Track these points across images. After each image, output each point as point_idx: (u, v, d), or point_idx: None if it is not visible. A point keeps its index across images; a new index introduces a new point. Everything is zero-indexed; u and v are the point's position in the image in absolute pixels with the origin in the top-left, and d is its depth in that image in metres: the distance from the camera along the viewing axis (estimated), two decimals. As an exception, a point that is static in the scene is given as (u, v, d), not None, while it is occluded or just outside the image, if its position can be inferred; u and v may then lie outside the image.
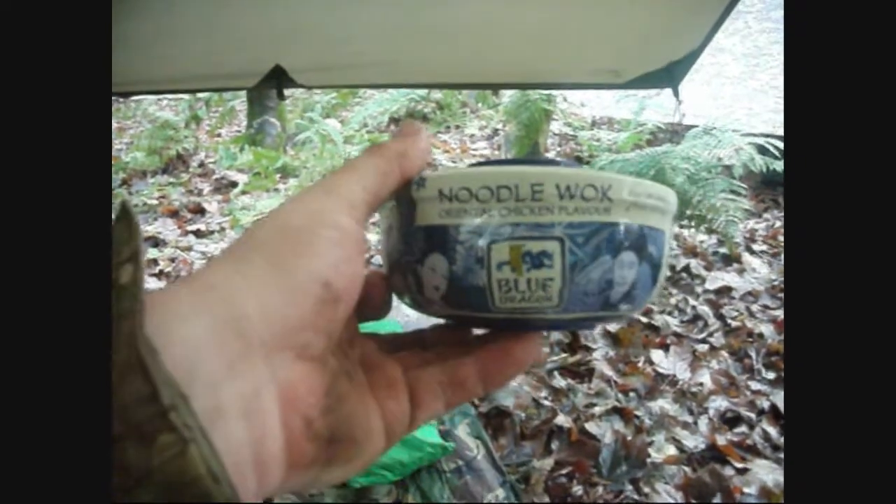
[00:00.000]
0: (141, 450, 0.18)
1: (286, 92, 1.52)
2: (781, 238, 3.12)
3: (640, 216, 0.30)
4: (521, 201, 0.28)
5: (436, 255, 0.30)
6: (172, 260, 3.16)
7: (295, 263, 0.26)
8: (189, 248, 3.32)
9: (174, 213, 3.88)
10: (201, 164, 4.87)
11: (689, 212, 2.59)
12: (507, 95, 3.31)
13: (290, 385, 0.25)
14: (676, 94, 1.63)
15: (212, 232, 3.60)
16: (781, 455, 1.72)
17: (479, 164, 0.32)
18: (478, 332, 0.36)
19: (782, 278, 2.68)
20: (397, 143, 0.31)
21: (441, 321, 0.36)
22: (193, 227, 3.66)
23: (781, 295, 2.58)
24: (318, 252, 0.26)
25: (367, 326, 0.34)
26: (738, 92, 4.84)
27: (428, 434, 1.42)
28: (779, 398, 1.95)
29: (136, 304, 0.20)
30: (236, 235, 3.48)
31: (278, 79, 1.41)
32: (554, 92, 3.12)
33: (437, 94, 5.84)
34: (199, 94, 5.19)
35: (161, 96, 5.58)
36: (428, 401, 0.32)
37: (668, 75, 1.56)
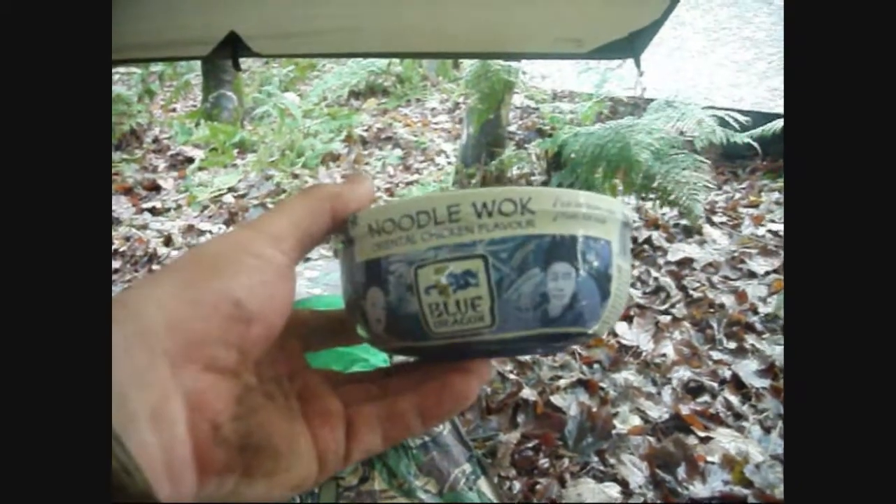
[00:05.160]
0: None
1: (242, 64, 1.47)
2: (741, 210, 3.16)
3: (572, 226, 0.29)
4: (440, 224, 0.29)
5: (374, 289, 0.30)
6: (127, 239, 3.07)
7: (206, 283, 0.26)
8: (144, 227, 3.23)
9: (128, 191, 3.77)
10: (156, 140, 4.74)
11: (654, 185, 2.61)
12: (468, 67, 3.26)
13: (197, 393, 0.26)
14: (638, 64, 1.62)
15: (168, 209, 3.51)
16: (743, 424, 1.74)
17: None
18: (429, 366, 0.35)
19: (742, 249, 2.72)
20: (332, 186, 0.32)
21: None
22: (149, 205, 3.57)
23: (741, 266, 2.61)
24: (232, 274, 0.27)
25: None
26: (699, 66, 4.87)
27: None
28: (740, 367, 1.98)
29: None
30: (193, 212, 3.40)
31: (234, 47, 1.36)
32: (514, 64, 3.08)
33: (397, 68, 5.77)
34: (153, 68, 5.04)
35: (112, 70, 5.40)
36: (364, 434, 0.32)
37: (630, 45, 1.55)
